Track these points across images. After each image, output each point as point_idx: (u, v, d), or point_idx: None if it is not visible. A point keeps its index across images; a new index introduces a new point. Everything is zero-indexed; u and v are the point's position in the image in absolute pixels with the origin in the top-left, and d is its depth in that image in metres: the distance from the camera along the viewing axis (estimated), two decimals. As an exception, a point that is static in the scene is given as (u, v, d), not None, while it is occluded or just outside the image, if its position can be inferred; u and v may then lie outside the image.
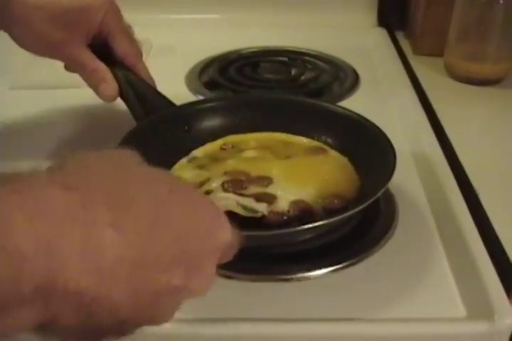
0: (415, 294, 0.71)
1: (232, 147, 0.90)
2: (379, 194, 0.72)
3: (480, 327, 0.65)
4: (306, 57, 1.35)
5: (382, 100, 1.17)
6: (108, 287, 0.43)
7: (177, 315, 0.67)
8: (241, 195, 0.77)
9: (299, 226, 0.69)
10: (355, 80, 1.25)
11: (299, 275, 0.73)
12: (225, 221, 0.54)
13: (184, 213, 0.50)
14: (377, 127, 0.85)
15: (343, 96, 1.18)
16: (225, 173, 0.81)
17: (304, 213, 0.76)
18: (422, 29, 1.35)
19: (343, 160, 0.87)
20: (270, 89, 1.21)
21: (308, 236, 0.74)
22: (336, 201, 0.78)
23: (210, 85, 1.22)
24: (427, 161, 0.92)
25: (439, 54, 1.28)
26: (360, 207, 0.71)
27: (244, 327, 0.67)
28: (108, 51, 0.93)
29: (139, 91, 0.93)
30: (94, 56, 0.90)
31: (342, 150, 0.89)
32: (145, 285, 0.46)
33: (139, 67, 0.95)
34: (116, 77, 0.93)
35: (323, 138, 0.91)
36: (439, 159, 0.92)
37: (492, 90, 1.20)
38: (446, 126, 1.04)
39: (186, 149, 0.90)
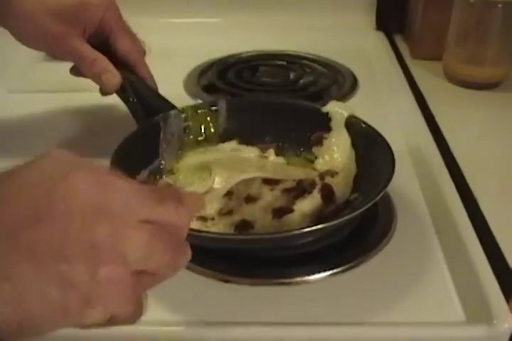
0: (414, 298, 0.71)
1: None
2: (377, 198, 0.72)
3: (479, 331, 0.65)
4: (305, 61, 1.36)
5: (380, 103, 1.17)
6: None
7: (175, 317, 0.68)
8: None
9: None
10: (353, 84, 1.25)
11: (298, 279, 0.73)
12: None
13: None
14: (376, 130, 0.84)
15: (341, 99, 1.18)
16: None
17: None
18: (420, 32, 1.35)
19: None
20: (269, 93, 1.21)
21: (307, 239, 0.74)
22: None
23: (209, 89, 1.22)
24: (426, 165, 0.93)
25: (438, 57, 1.28)
26: (359, 211, 0.71)
27: (242, 331, 0.67)
28: (109, 50, 0.92)
29: (140, 93, 0.93)
30: (93, 49, 0.90)
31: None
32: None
33: (141, 65, 0.95)
34: None
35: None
36: (438, 163, 0.92)
37: (490, 94, 1.20)
38: (444, 130, 1.04)
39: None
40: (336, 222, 0.69)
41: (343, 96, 1.19)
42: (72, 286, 0.43)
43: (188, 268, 0.74)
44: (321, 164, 0.88)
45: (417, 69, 1.32)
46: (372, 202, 0.71)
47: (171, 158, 0.90)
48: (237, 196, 0.82)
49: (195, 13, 1.49)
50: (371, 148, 0.83)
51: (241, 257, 0.76)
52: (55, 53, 0.94)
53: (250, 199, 0.81)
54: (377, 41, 1.46)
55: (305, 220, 0.77)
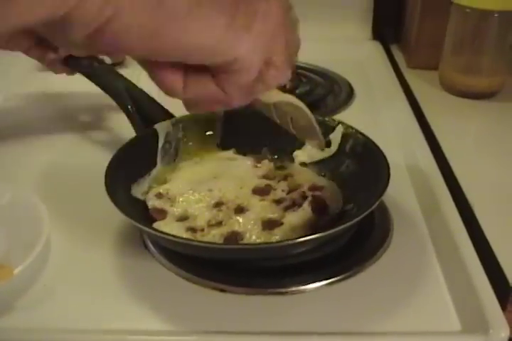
0: (410, 307, 0.71)
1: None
2: (372, 208, 0.72)
3: (475, 340, 0.65)
4: (301, 71, 1.36)
5: (376, 113, 1.17)
6: None
7: (171, 327, 0.68)
8: None
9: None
10: (349, 93, 1.26)
11: (294, 288, 0.72)
12: None
13: None
14: (371, 141, 0.84)
15: (337, 109, 1.18)
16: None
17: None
18: (416, 42, 1.35)
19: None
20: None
21: (302, 249, 0.74)
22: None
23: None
24: (422, 175, 0.93)
25: (434, 67, 1.28)
26: (354, 221, 0.70)
27: (238, 340, 0.67)
28: None
29: (138, 102, 0.94)
30: None
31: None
32: None
33: None
34: (116, 88, 0.95)
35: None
36: (434, 172, 0.92)
37: (487, 103, 1.20)
38: (440, 140, 1.04)
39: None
40: (327, 232, 0.69)
41: (340, 106, 1.20)
42: None
43: (184, 277, 0.74)
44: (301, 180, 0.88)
45: (413, 78, 1.32)
46: (366, 213, 0.71)
47: (167, 167, 0.90)
48: (226, 207, 0.82)
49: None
50: (367, 159, 0.83)
51: (237, 267, 0.76)
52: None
53: (239, 210, 0.81)
54: (374, 51, 1.46)
55: (295, 232, 0.77)
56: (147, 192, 0.85)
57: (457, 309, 0.70)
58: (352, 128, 0.87)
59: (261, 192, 0.84)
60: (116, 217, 0.71)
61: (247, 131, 0.91)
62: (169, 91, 0.54)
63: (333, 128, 0.88)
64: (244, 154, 0.93)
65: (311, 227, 0.77)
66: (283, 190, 0.85)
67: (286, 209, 0.81)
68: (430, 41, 1.31)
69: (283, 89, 0.71)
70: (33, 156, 1.02)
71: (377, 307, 0.71)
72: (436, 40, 1.25)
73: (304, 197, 0.82)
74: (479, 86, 1.22)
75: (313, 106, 1.17)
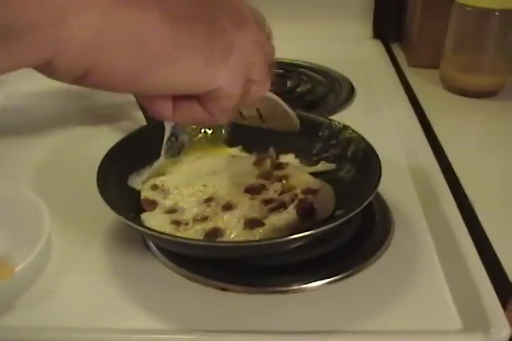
0: (411, 306, 0.71)
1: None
2: (368, 201, 0.71)
3: (476, 339, 0.65)
4: (302, 69, 1.36)
5: (377, 112, 1.17)
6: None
7: (173, 326, 0.68)
8: None
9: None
10: (350, 92, 1.26)
11: (295, 287, 0.72)
12: None
13: None
14: (370, 146, 0.84)
15: (338, 108, 1.18)
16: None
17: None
18: (417, 41, 1.35)
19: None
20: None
21: (295, 245, 0.73)
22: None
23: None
24: (423, 173, 0.93)
25: (435, 66, 1.28)
26: (349, 216, 0.70)
27: (239, 339, 0.67)
28: None
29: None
30: None
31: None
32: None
33: None
34: None
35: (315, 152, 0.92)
36: (435, 171, 0.92)
37: (488, 102, 1.20)
38: (441, 138, 1.04)
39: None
40: (324, 227, 0.69)
41: (340, 105, 1.20)
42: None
43: (185, 276, 0.74)
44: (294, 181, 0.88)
45: (414, 77, 1.32)
46: (361, 207, 0.71)
47: (170, 160, 0.91)
48: (216, 203, 0.83)
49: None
50: (365, 166, 0.82)
51: (238, 265, 0.76)
52: None
53: (227, 207, 0.81)
54: (374, 49, 1.46)
55: (276, 234, 0.76)
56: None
57: (458, 307, 0.70)
58: (356, 133, 0.86)
59: (253, 191, 0.84)
60: (117, 216, 0.71)
61: (256, 128, 0.91)
62: (159, 117, 0.56)
63: (339, 131, 0.88)
64: (251, 152, 0.94)
65: (294, 230, 0.75)
66: (275, 191, 0.85)
67: (272, 210, 0.81)
68: (431, 40, 1.31)
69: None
70: (34, 154, 1.02)
71: (378, 305, 0.71)
72: (437, 38, 1.25)
73: (294, 200, 0.82)
74: (480, 84, 1.22)
75: (313, 105, 1.18)
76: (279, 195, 0.84)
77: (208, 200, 0.83)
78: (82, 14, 0.41)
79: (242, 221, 0.79)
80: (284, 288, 0.72)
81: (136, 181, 0.86)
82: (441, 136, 1.05)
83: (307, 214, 0.79)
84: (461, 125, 1.14)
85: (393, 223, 0.83)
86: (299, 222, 0.79)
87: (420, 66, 1.36)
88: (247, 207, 0.81)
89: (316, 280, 0.73)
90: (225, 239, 0.76)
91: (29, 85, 1.18)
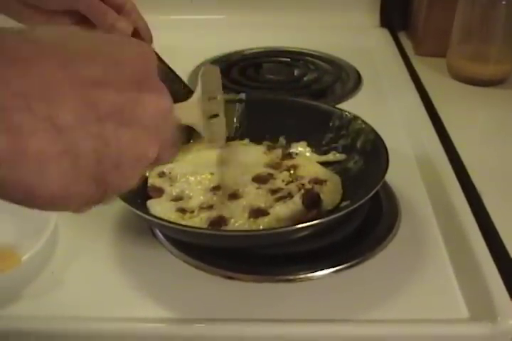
0: (418, 295, 0.71)
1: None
2: (373, 192, 0.72)
3: (482, 328, 0.65)
4: (309, 58, 1.36)
5: (384, 101, 1.17)
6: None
7: (180, 315, 0.68)
8: None
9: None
10: (357, 81, 1.25)
11: (302, 276, 0.73)
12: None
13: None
14: (380, 138, 0.83)
15: (345, 97, 1.18)
16: None
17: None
18: (424, 30, 1.35)
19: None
20: (273, 90, 1.21)
21: (299, 235, 0.73)
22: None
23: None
24: (430, 162, 0.92)
25: (442, 55, 1.28)
26: (354, 206, 0.70)
27: (246, 327, 0.67)
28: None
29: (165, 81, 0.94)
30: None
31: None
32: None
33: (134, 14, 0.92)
34: None
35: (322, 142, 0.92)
36: (442, 160, 0.92)
37: (495, 91, 1.20)
38: (448, 127, 1.04)
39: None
40: (332, 217, 0.70)
41: (347, 94, 1.19)
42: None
43: (192, 265, 0.74)
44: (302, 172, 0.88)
45: (421, 66, 1.32)
46: (355, 206, 0.71)
47: (180, 147, 0.90)
48: (222, 191, 0.83)
49: (198, 10, 1.49)
50: (373, 158, 0.82)
51: (245, 254, 0.76)
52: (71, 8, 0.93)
53: (234, 196, 0.82)
54: (381, 38, 1.46)
55: (279, 223, 0.76)
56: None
57: (465, 297, 0.70)
58: (366, 123, 0.86)
59: (260, 180, 0.84)
60: (124, 204, 0.71)
61: (269, 117, 0.91)
62: None
63: (349, 121, 0.88)
64: (260, 142, 0.93)
65: (299, 220, 0.75)
66: (283, 181, 0.85)
67: (278, 199, 0.81)
68: (438, 29, 1.30)
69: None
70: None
71: (384, 294, 0.71)
72: (444, 27, 1.25)
73: (301, 190, 0.82)
74: (487, 73, 1.22)
75: (320, 94, 1.18)
76: (286, 184, 0.84)
77: (215, 189, 0.83)
78: None
79: (248, 210, 0.79)
80: (291, 277, 0.73)
81: None
82: (448, 124, 1.05)
83: (312, 204, 0.79)
84: (468, 113, 1.13)
85: (400, 212, 0.83)
86: (304, 212, 0.78)
87: (427, 55, 1.35)
88: (253, 196, 0.81)
89: (323, 269, 0.73)
90: (229, 227, 0.76)
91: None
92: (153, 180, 0.84)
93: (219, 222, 0.77)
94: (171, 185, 0.84)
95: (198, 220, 0.77)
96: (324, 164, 0.89)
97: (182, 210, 0.79)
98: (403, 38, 1.48)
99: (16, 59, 0.38)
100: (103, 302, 0.71)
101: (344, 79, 1.26)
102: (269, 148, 0.91)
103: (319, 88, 1.22)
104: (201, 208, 0.80)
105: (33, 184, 0.39)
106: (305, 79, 1.27)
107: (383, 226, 0.80)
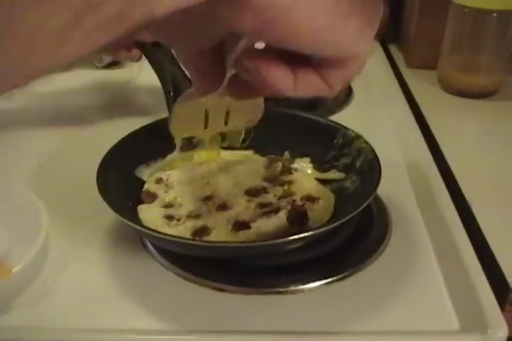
0: (409, 307, 0.71)
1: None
2: (365, 204, 0.72)
3: (473, 339, 0.65)
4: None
5: (375, 113, 1.17)
6: None
7: (169, 326, 0.68)
8: None
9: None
10: (348, 93, 1.26)
11: (293, 287, 0.72)
12: None
13: None
14: (377, 159, 0.83)
15: (336, 108, 1.18)
16: None
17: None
18: (414, 41, 1.35)
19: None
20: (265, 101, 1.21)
21: (295, 246, 0.73)
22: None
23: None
24: (420, 173, 0.93)
25: (432, 66, 1.28)
26: (347, 218, 0.70)
27: (236, 340, 0.67)
28: None
29: (179, 89, 0.97)
30: None
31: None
32: None
33: None
34: (163, 73, 1.01)
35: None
36: (432, 171, 0.92)
37: (485, 103, 1.20)
38: (439, 139, 1.04)
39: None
40: (324, 228, 0.70)
41: (338, 106, 1.20)
42: None
43: (182, 276, 0.74)
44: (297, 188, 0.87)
45: (411, 78, 1.32)
46: (360, 209, 0.71)
47: (183, 155, 0.92)
48: (213, 201, 0.83)
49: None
50: (369, 179, 0.81)
51: (235, 266, 0.76)
52: None
53: (222, 207, 0.82)
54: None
55: (259, 238, 0.76)
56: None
57: (456, 308, 0.70)
58: (367, 143, 0.85)
59: (252, 193, 0.84)
60: (114, 215, 0.71)
61: (277, 131, 0.90)
62: (281, 90, 0.52)
63: (352, 140, 0.87)
64: (264, 155, 0.93)
65: (282, 236, 0.72)
66: (275, 195, 0.84)
67: (265, 214, 0.80)
68: (429, 40, 1.31)
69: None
70: (31, 154, 1.02)
71: (376, 306, 0.71)
72: (435, 39, 1.25)
73: (297, 206, 0.82)
74: (477, 85, 1.22)
75: (311, 106, 1.18)
76: (278, 199, 0.83)
77: (207, 198, 0.83)
78: None
79: (232, 222, 0.79)
80: (281, 289, 0.72)
81: (143, 172, 0.88)
82: (438, 136, 1.06)
83: (297, 221, 0.79)
84: (459, 125, 1.14)
85: (391, 223, 0.83)
86: (287, 227, 0.78)
87: (418, 67, 1.36)
88: (242, 208, 0.81)
89: (314, 281, 0.73)
90: (210, 238, 0.76)
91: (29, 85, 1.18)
92: (149, 186, 0.86)
93: (201, 231, 0.77)
94: (166, 192, 0.84)
95: (183, 228, 0.78)
96: (323, 181, 0.88)
97: (169, 217, 0.80)
98: (394, 49, 1.49)
99: None
100: (93, 313, 0.70)
101: (335, 90, 1.26)
102: (271, 162, 0.91)
103: (310, 99, 1.22)
104: (188, 216, 0.80)
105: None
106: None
107: (374, 238, 0.80)
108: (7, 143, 1.07)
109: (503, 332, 0.64)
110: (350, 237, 0.80)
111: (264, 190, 0.85)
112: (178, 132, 0.86)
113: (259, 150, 0.94)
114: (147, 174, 0.88)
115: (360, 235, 0.80)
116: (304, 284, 0.73)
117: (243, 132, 0.93)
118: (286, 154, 0.93)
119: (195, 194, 0.84)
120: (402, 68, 1.38)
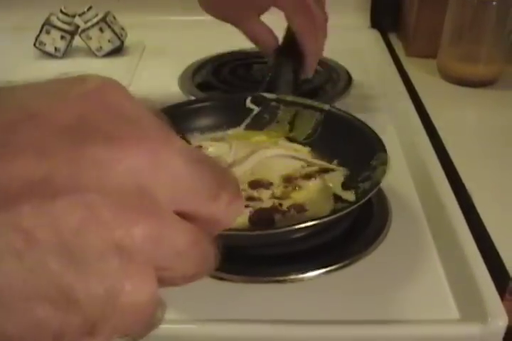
0: (408, 296, 0.71)
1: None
2: (370, 195, 0.72)
3: (473, 329, 0.65)
4: (300, 59, 1.35)
5: (375, 102, 1.17)
6: None
7: (169, 315, 0.68)
8: None
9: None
10: (348, 81, 1.25)
11: (293, 276, 0.72)
12: None
13: None
14: (369, 127, 0.84)
15: (336, 97, 1.18)
16: None
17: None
18: (415, 31, 1.35)
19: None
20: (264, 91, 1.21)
21: (295, 236, 0.73)
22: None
23: (203, 86, 1.22)
24: (420, 163, 0.92)
25: (432, 55, 1.28)
26: (350, 209, 0.71)
27: (236, 328, 0.67)
28: None
29: (276, 79, 1.05)
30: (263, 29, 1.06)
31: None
32: None
33: (309, 44, 1.05)
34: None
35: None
36: (433, 161, 0.92)
37: (485, 92, 1.20)
38: (438, 128, 1.04)
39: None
40: (328, 218, 0.70)
41: (338, 94, 1.19)
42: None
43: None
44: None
45: (411, 67, 1.32)
46: (364, 200, 0.71)
47: (246, 132, 0.93)
48: None
49: (189, 11, 1.49)
50: (363, 145, 0.81)
51: (236, 255, 0.76)
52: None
53: None
54: (372, 39, 1.46)
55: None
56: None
57: (455, 297, 0.70)
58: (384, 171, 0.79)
59: (253, 185, 0.83)
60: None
61: (337, 136, 0.89)
62: None
63: (381, 163, 0.80)
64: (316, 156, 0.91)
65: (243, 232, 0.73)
66: (272, 194, 0.82)
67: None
68: (428, 30, 1.31)
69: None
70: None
71: (375, 295, 0.71)
72: (435, 28, 1.25)
73: (273, 209, 0.79)
74: (477, 74, 1.22)
75: (311, 95, 1.18)
76: (269, 198, 0.81)
77: None
78: None
79: None
80: (281, 278, 0.72)
81: (196, 138, 0.91)
82: (438, 125, 1.05)
83: (259, 224, 0.77)
84: (459, 114, 1.14)
85: (391, 213, 0.83)
86: (247, 227, 0.76)
87: (418, 56, 1.36)
88: None
89: (314, 270, 0.73)
90: None
91: (24, 74, 1.18)
92: None
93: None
94: None
95: None
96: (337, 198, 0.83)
97: None
98: (394, 38, 1.48)
99: None
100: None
101: (335, 79, 1.26)
102: (311, 163, 0.88)
103: (310, 88, 1.22)
104: None
105: None
106: (296, 79, 1.27)
107: (374, 227, 0.80)
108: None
109: (503, 321, 0.65)
110: (350, 226, 0.80)
111: (267, 187, 0.83)
112: None
113: (315, 150, 0.91)
114: (198, 139, 0.90)
115: (360, 224, 0.80)
116: (303, 273, 0.72)
117: (311, 127, 0.92)
118: (335, 162, 0.88)
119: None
120: (402, 57, 1.38)
